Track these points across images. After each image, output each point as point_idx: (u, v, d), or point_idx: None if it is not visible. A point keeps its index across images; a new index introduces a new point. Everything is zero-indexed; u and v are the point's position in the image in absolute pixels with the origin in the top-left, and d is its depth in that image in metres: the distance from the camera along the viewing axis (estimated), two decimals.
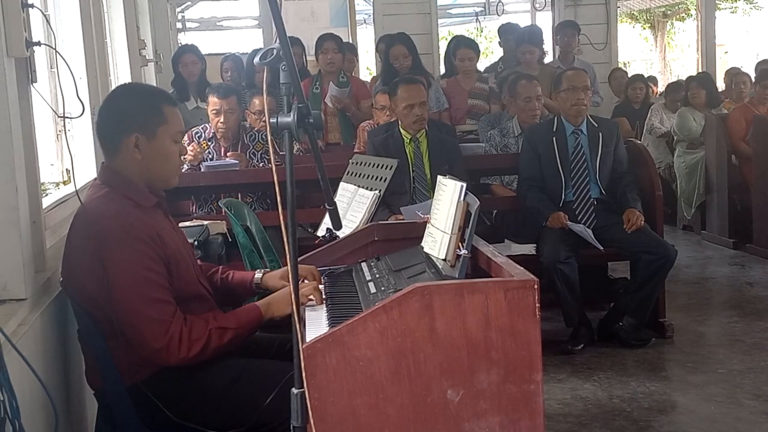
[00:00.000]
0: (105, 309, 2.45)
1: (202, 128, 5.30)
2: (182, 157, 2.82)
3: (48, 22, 3.24)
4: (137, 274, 2.42)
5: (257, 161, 5.22)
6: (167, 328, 2.42)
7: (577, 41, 7.70)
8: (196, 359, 2.46)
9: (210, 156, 5.20)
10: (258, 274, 2.87)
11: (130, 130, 2.55)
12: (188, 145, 5.05)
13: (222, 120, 5.14)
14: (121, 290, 2.41)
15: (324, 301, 2.59)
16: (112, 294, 2.42)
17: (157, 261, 2.46)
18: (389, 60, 6.70)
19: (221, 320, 2.54)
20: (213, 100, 5.17)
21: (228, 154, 5.19)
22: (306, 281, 2.70)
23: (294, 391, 1.99)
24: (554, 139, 4.99)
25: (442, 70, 7.73)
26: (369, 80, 8.10)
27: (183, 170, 4.83)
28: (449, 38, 9.26)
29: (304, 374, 1.98)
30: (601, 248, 4.73)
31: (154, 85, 7.08)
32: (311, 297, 2.59)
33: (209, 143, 5.24)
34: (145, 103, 2.60)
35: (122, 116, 2.58)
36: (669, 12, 21.09)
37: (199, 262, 2.98)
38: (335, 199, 2.95)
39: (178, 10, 11.27)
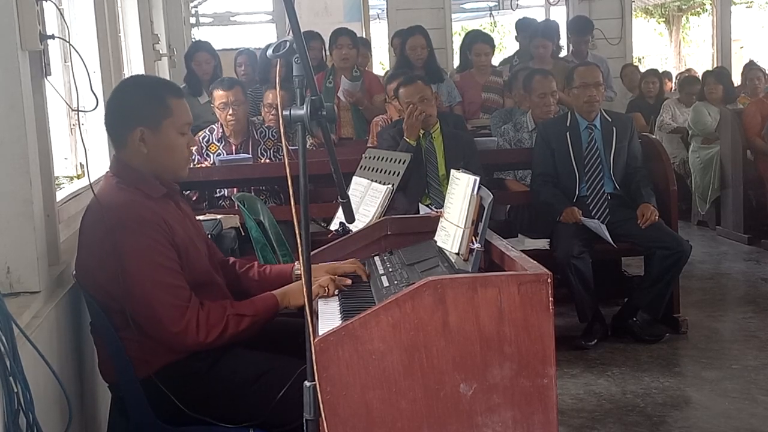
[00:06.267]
0: (118, 300, 2.46)
1: (209, 130, 5.16)
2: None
3: (62, 15, 3.24)
4: (151, 261, 2.43)
5: (269, 158, 5.14)
6: (184, 312, 2.43)
7: (589, 40, 7.65)
8: (213, 344, 2.47)
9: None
10: (297, 265, 2.84)
11: (134, 124, 2.55)
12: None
13: (231, 113, 5.04)
14: (135, 278, 2.42)
15: (337, 293, 2.58)
16: (126, 283, 2.42)
17: (168, 247, 2.47)
18: (405, 51, 6.67)
19: (238, 307, 2.55)
20: (219, 94, 5.06)
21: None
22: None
23: (306, 384, 1.99)
24: (568, 134, 4.96)
25: (456, 65, 7.70)
26: (382, 75, 8.08)
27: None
28: (463, 33, 9.23)
29: (316, 367, 1.98)
30: (615, 245, 4.71)
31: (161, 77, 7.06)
32: (326, 287, 2.59)
33: (218, 144, 5.13)
34: (149, 96, 2.60)
35: (127, 110, 2.59)
36: (684, 7, 20.94)
37: (232, 259, 2.98)
38: (348, 193, 2.94)
39: (192, 5, 11.28)
